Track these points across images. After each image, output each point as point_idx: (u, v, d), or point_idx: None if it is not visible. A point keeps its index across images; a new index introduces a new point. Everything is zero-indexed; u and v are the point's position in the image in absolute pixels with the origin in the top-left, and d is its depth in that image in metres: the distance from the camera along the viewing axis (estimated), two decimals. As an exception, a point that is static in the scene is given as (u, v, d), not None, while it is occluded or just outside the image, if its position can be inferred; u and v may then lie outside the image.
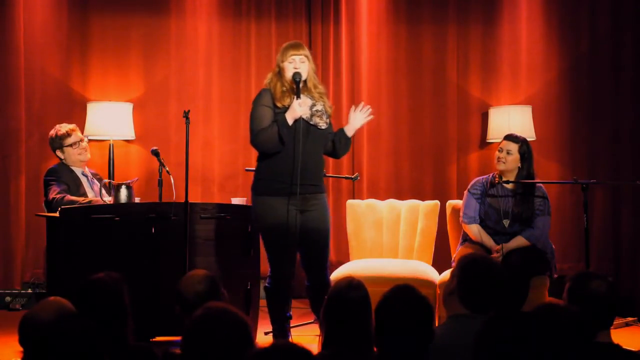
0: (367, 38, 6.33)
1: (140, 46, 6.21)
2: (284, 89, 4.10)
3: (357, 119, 4.20)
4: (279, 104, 4.06)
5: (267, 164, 4.10)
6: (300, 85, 4.06)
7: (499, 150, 4.82)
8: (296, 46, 4.13)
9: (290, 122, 3.98)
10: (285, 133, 3.98)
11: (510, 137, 4.83)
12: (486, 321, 2.10)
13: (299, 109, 3.97)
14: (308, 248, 4.13)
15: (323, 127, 4.12)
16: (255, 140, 4.08)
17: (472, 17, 6.41)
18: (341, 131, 4.21)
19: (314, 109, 4.11)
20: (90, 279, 2.74)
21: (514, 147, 4.76)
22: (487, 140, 6.26)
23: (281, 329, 4.19)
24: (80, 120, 5.77)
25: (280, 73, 4.13)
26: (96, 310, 2.63)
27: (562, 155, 6.37)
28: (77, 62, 6.14)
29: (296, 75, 4.04)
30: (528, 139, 4.91)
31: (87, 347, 2.10)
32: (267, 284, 4.16)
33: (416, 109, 6.40)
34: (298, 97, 4.01)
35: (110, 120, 5.83)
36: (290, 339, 4.15)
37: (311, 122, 4.08)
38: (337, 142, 4.21)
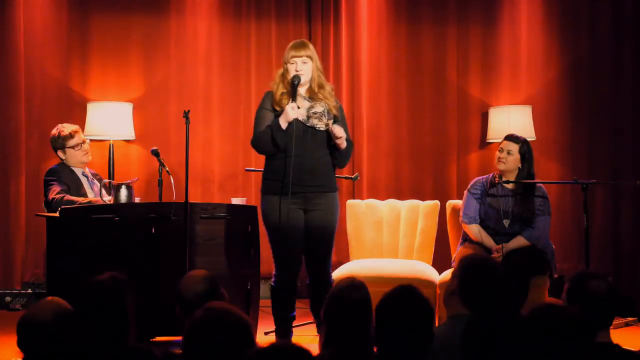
0: (367, 38, 6.33)
1: (140, 46, 6.21)
2: (284, 91, 4.11)
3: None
4: (277, 108, 4.09)
5: (270, 164, 4.16)
6: (301, 87, 4.07)
7: (499, 151, 4.82)
8: (298, 47, 4.12)
9: (283, 125, 4.00)
10: (280, 136, 4.00)
11: (510, 137, 4.83)
12: (467, 323, 2.12)
13: (291, 112, 3.98)
14: (310, 246, 4.15)
15: (322, 129, 4.11)
16: (252, 142, 4.16)
17: (472, 17, 6.41)
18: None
19: (312, 111, 4.10)
20: (93, 279, 2.70)
21: (514, 147, 4.76)
22: (487, 141, 6.26)
23: (284, 328, 4.19)
24: (80, 120, 5.77)
25: (284, 74, 4.14)
26: (96, 312, 2.60)
27: (562, 155, 6.37)
28: (77, 62, 6.14)
29: (295, 78, 4.06)
30: (528, 139, 4.91)
31: (84, 347, 2.09)
32: (272, 283, 4.18)
33: (416, 109, 6.40)
34: (293, 100, 4.02)
35: (110, 120, 5.83)
36: (291, 339, 4.15)
37: (308, 124, 4.08)
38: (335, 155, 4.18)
